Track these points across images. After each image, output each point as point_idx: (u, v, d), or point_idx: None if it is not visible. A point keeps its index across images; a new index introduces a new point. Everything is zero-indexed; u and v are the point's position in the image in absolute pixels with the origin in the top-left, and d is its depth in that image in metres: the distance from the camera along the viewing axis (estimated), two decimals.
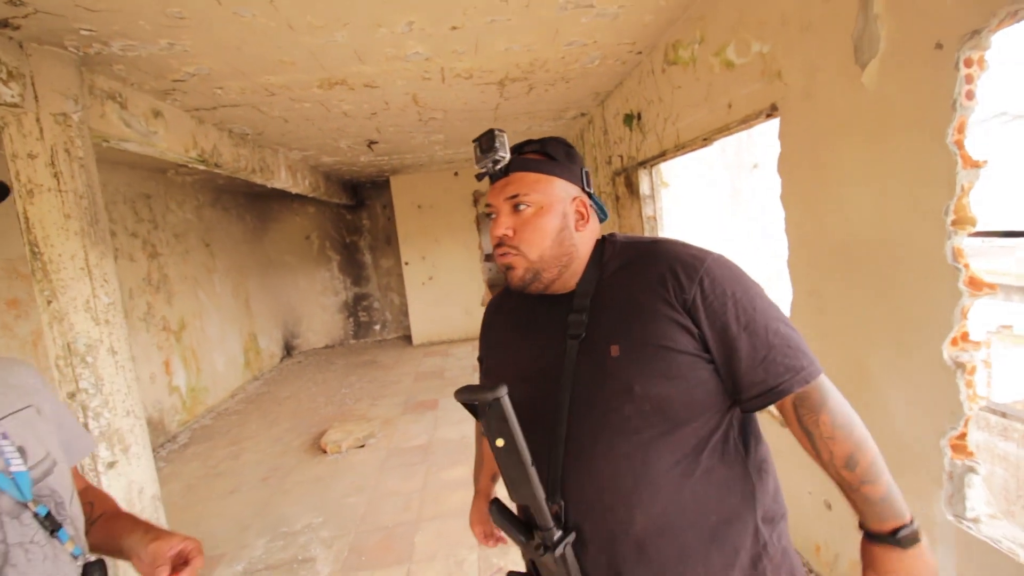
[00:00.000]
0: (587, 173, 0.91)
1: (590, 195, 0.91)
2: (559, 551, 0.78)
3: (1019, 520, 4.32)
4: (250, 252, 6.72)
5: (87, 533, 0.84)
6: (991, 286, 1.22)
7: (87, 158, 2.08)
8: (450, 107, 3.53)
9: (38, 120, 1.90)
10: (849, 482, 0.76)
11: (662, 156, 2.96)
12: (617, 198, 3.94)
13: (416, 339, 7.21)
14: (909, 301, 1.40)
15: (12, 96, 1.80)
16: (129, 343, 2.28)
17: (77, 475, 0.93)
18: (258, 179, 4.06)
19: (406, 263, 7.08)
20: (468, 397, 0.77)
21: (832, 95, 1.58)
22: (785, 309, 1.98)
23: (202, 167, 3.33)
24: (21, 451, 0.75)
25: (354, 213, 7.69)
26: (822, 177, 1.68)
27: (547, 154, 0.88)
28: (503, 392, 0.73)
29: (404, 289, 7.29)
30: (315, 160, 4.97)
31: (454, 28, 2.18)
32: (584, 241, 0.88)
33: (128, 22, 1.81)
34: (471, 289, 7.25)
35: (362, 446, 3.82)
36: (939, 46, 1.24)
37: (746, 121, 2.05)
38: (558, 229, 0.85)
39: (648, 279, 0.81)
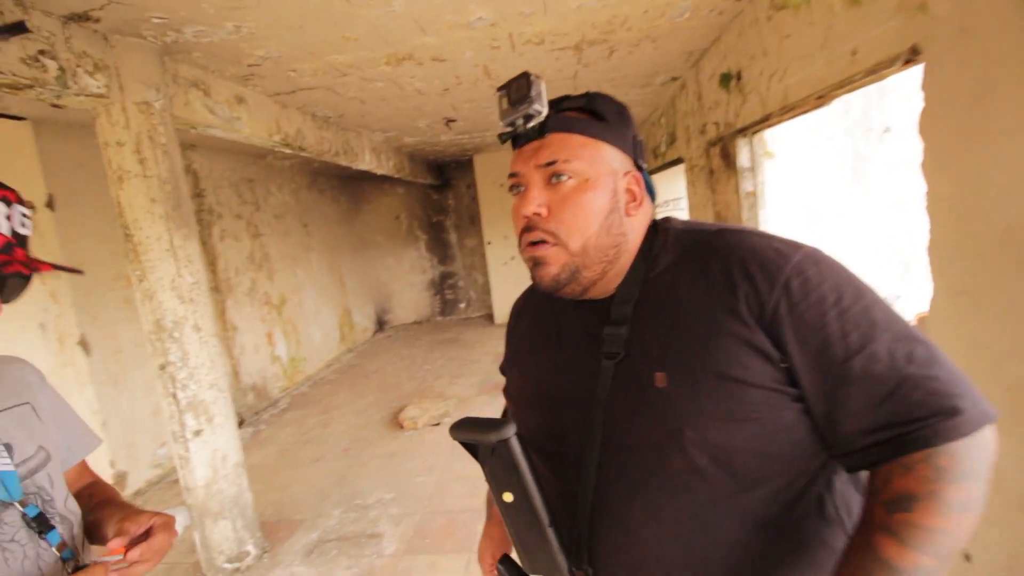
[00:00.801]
0: (641, 143, 0.71)
1: (642, 171, 0.70)
2: None
3: None
4: (344, 232, 7.07)
5: (84, 525, 0.82)
6: None
7: (170, 144, 2.18)
8: None
9: (124, 109, 2.01)
10: (873, 520, 0.51)
11: (765, 121, 2.53)
12: (711, 172, 3.51)
13: (498, 318, 7.21)
14: None
15: (99, 87, 1.91)
16: (214, 320, 2.41)
17: (86, 470, 0.91)
18: (343, 161, 4.17)
19: (488, 243, 7.06)
20: (466, 436, 0.60)
21: (1004, 27, 1.17)
22: (920, 312, 1.58)
23: (288, 151, 3.46)
24: (8, 448, 0.73)
25: (440, 193, 7.79)
26: (984, 139, 1.27)
27: (595, 112, 0.67)
28: (510, 432, 0.57)
29: (487, 268, 7.29)
30: (397, 141, 5.02)
31: None
32: (635, 229, 0.68)
33: (192, 6, 1.83)
34: None
35: (437, 424, 3.87)
36: None
37: (876, 71, 1.63)
38: (607, 211, 0.65)
39: (710, 281, 0.60)
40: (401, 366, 5.71)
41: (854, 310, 0.54)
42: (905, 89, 2.75)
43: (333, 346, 6.30)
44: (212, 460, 2.35)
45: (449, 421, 3.89)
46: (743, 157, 3.04)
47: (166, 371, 2.23)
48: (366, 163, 4.62)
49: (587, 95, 0.68)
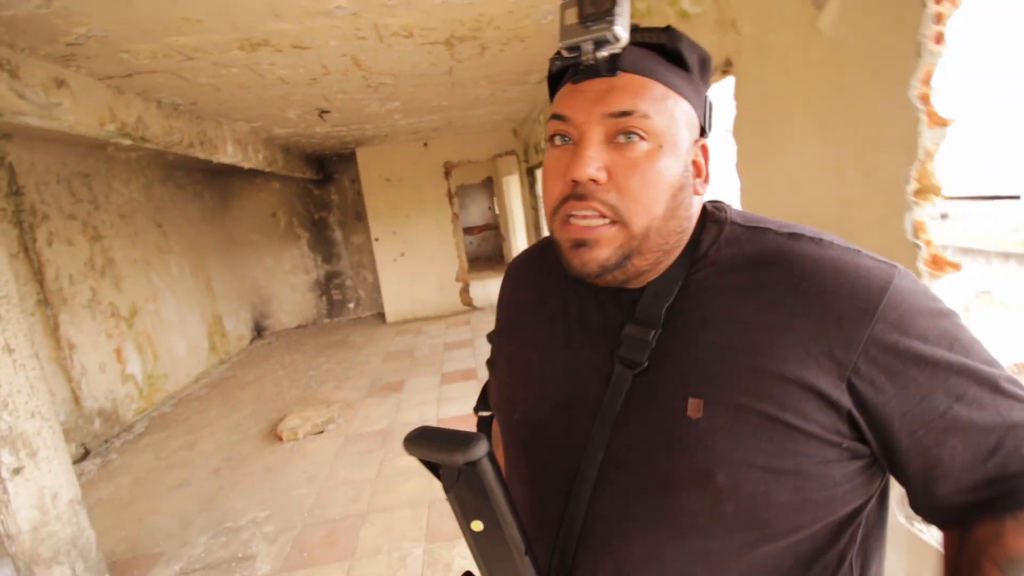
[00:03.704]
0: (712, 106, 0.57)
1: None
2: None
3: None
4: (210, 231, 6.42)
5: None
6: (954, 265, 1.05)
7: None
8: (398, 71, 3.25)
9: None
10: None
11: None
12: None
13: (389, 317, 7.03)
14: None
15: None
16: (30, 339, 2.07)
17: None
18: (200, 153, 3.78)
19: (376, 239, 6.84)
20: (426, 454, 0.48)
21: (786, 45, 1.38)
22: None
23: (128, 142, 3.06)
24: None
25: (321, 188, 7.38)
26: (776, 141, 1.49)
27: (675, 56, 0.52)
28: (482, 452, 0.47)
29: (376, 266, 7.07)
30: (267, 132, 4.67)
31: None
32: (697, 215, 0.56)
33: None
34: (444, 265, 7.04)
35: (320, 432, 3.68)
36: None
37: None
38: (678, 186, 0.51)
39: (776, 300, 0.49)
40: (282, 374, 5.34)
41: (955, 347, 0.46)
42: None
43: (202, 358, 5.71)
44: (39, 500, 2.03)
45: (333, 428, 3.73)
46: None
47: None
48: (229, 156, 4.23)
49: (668, 30, 0.52)
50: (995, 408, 0.45)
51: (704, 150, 0.55)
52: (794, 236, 0.52)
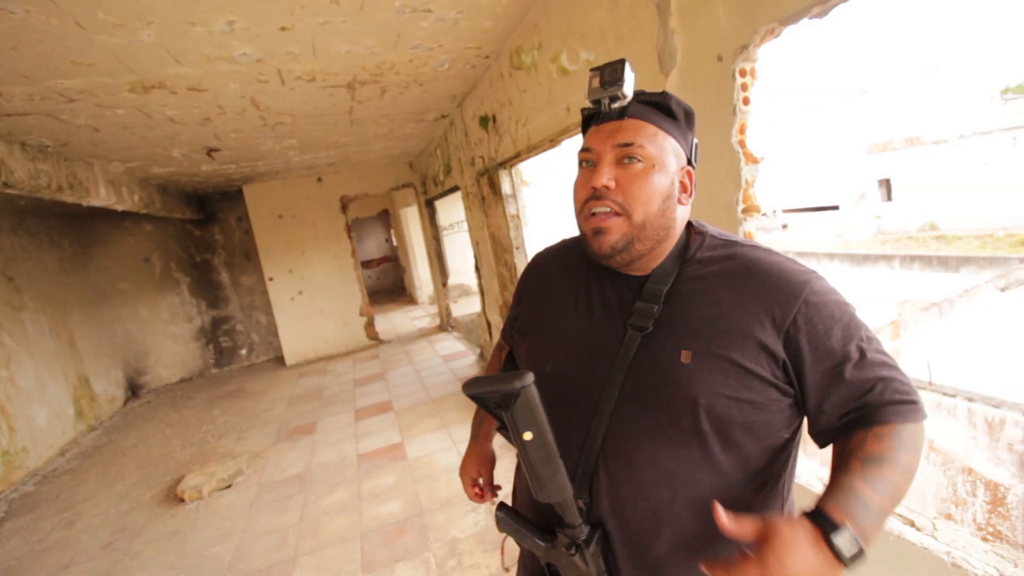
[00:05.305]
0: (697, 146, 0.81)
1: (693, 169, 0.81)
2: (593, 547, 0.73)
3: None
4: (71, 283, 5.72)
5: None
6: None
7: None
8: (298, 111, 3.31)
9: None
10: (850, 469, 0.64)
11: (517, 157, 3.06)
12: (483, 199, 4.01)
13: (289, 360, 6.70)
14: None
15: None
16: None
17: None
18: (68, 197, 3.46)
19: (270, 279, 6.54)
20: (487, 388, 0.64)
21: None
22: None
23: None
24: None
25: (203, 228, 6.91)
26: None
27: (667, 109, 0.76)
28: (531, 380, 0.63)
29: (271, 307, 6.73)
30: (144, 172, 4.37)
31: (284, 29, 2.05)
32: (681, 220, 0.78)
33: None
34: (346, 300, 6.91)
35: (228, 487, 3.46)
36: (720, 58, 1.43)
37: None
38: (666, 195, 0.74)
39: (740, 287, 0.72)
40: (171, 433, 4.87)
41: (851, 324, 0.70)
42: None
43: (68, 427, 5.02)
44: None
45: (243, 480, 3.54)
46: (506, 186, 3.58)
47: None
48: (101, 198, 3.90)
49: (663, 93, 0.77)
50: (871, 369, 0.68)
51: (688, 174, 0.78)
52: (753, 247, 0.77)
